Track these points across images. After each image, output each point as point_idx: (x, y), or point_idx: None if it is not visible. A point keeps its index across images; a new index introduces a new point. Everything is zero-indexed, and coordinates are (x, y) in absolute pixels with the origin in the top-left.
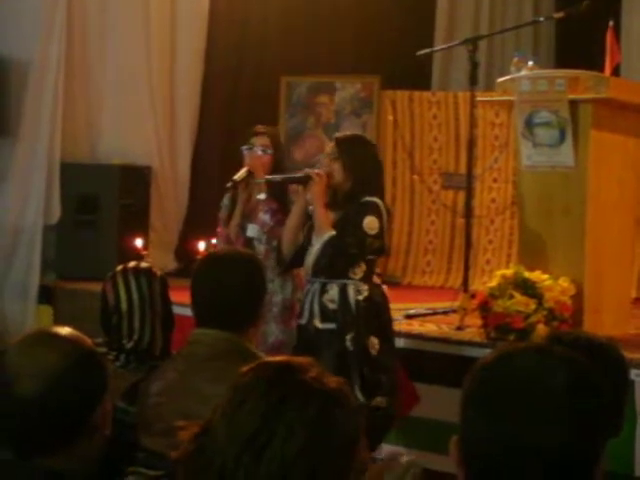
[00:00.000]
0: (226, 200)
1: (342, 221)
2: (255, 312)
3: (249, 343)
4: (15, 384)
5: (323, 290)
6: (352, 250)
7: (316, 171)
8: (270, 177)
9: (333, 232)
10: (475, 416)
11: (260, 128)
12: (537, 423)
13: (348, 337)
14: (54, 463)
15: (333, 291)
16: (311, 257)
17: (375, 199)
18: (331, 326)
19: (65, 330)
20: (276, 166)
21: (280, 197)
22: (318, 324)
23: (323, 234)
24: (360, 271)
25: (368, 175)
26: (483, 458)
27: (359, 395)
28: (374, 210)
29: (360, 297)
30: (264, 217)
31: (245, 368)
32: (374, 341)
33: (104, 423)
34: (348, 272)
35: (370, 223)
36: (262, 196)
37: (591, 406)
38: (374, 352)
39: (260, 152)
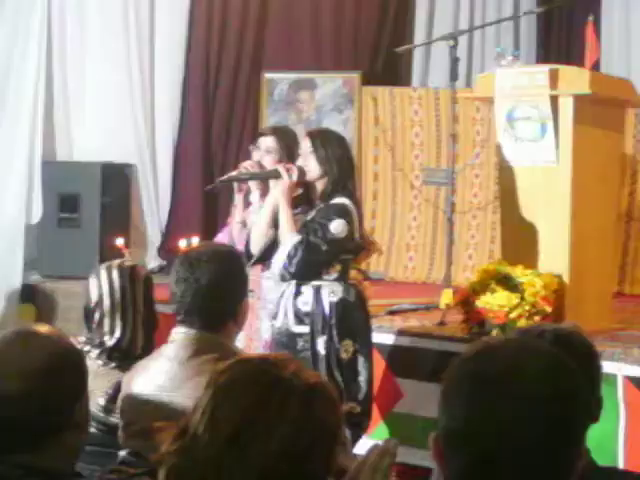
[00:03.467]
0: (237, 197)
1: (310, 224)
2: (234, 308)
3: (229, 340)
4: None
5: (298, 292)
6: (319, 256)
7: (286, 166)
8: (241, 174)
9: (298, 236)
10: (453, 409)
11: (266, 129)
12: (516, 416)
13: (320, 340)
14: (38, 460)
15: (307, 293)
16: (277, 262)
17: (343, 200)
18: (304, 329)
19: (44, 328)
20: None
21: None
22: (292, 327)
23: (287, 237)
24: (334, 271)
25: (342, 170)
26: (462, 452)
27: None
28: (341, 213)
29: (334, 298)
30: (255, 217)
31: (223, 366)
32: (347, 344)
33: (85, 420)
34: (322, 274)
35: (337, 226)
36: (254, 196)
37: (571, 396)
38: (346, 355)
39: (264, 153)
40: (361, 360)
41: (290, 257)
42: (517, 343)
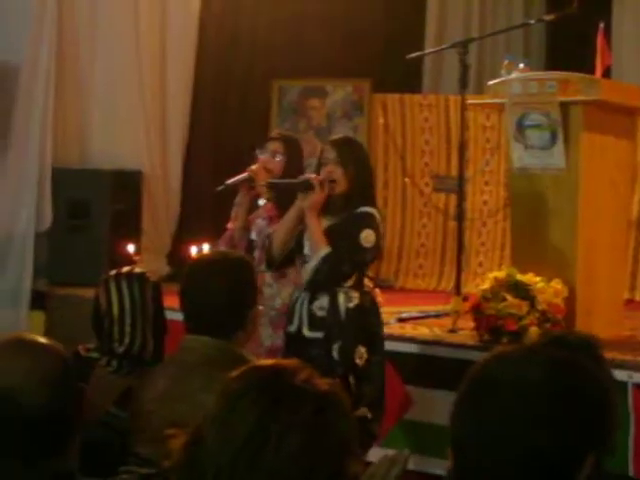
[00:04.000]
0: (239, 198)
1: (338, 233)
2: (244, 317)
3: (239, 348)
4: (17, 393)
5: (313, 297)
6: (347, 268)
7: (318, 177)
8: (273, 181)
9: (329, 249)
10: (461, 414)
11: (275, 133)
12: (518, 424)
13: (335, 346)
14: (59, 465)
15: (323, 298)
16: (308, 273)
17: (371, 209)
18: (319, 334)
19: (38, 337)
20: (288, 172)
21: (287, 204)
22: (306, 332)
23: (319, 250)
24: (351, 279)
25: (367, 180)
26: (466, 456)
27: None
28: (371, 222)
29: (351, 305)
30: (261, 223)
31: (234, 373)
32: (362, 350)
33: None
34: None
35: (367, 237)
36: (261, 202)
37: (576, 411)
38: (360, 362)
39: (269, 156)
40: (375, 366)
41: (320, 269)
42: (527, 352)
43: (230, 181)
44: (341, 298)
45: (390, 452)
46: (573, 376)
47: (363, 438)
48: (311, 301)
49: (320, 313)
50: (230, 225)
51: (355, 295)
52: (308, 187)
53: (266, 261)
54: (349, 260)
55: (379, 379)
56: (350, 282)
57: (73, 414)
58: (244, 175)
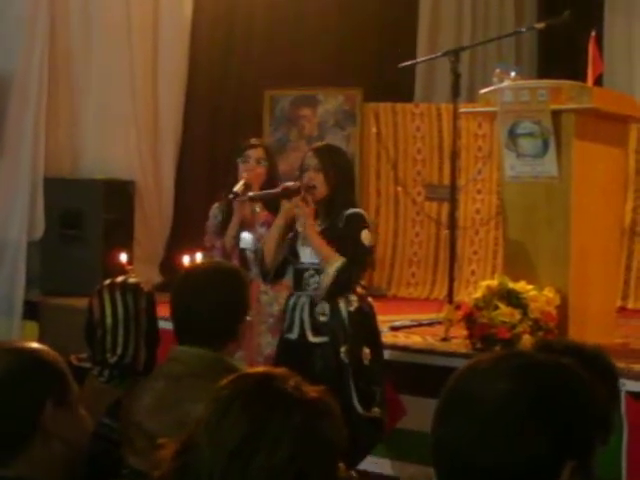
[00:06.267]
0: (216, 211)
1: (337, 238)
2: (235, 327)
3: (230, 358)
4: None
5: (313, 303)
6: (360, 271)
7: (296, 184)
8: (254, 194)
9: (342, 259)
10: (435, 425)
11: (255, 140)
12: (490, 436)
13: (342, 349)
14: (8, 472)
15: (323, 304)
16: (325, 284)
17: (359, 210)
18: (324, 339)
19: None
20: (270, 178)
21: (276, 210)
22: (311, 338)
23: (332, 261)
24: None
25: (348, 185)
26: (443, 467)
27: (358, 406)
28: (365, 222)
29: (351, 308)
30: (261, 230)
31: (224, 381)
32: (366, 352)
33: (60, 429)
34: None
35: (367, 236)
36: (258, 209)
37: (547, 418)
38: (367, 363)
39: (255, 164)
40: (378, 366)
41: (340, 278)
42: (484, 367)
43: (237, 188)
44: (341, 302)
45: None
46: (541, 383)
47: (375, 435)
48: (312, 307)
49: (322, 318)
50: (207, 239)
51: (354, 299)
52: (289, 194)
53: (260, 274)
54: (360, 263)
55: (383, 378)
56: None
57: (24, 417)
58: (242, 182)
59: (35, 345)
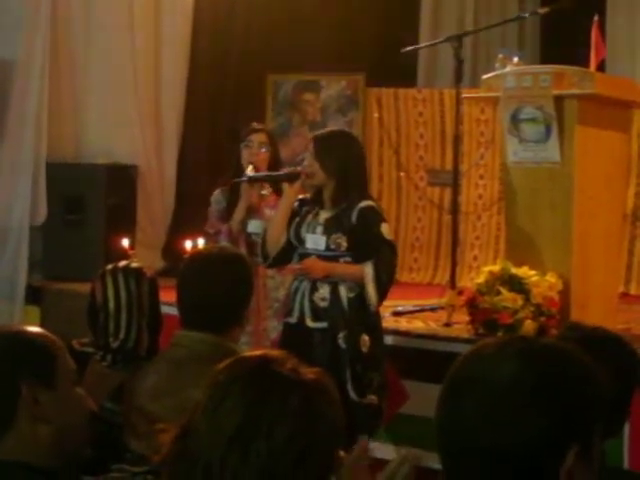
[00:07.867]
0: (219, 196)
1: (350, 232)
2: (240, 313)
3: (233, 343)
4: None
5: (313, 288)
6: (393, 268)
7: (301, 169)
8: (252, 175)
9: (370, 264)
10: (441, 412)
11: (257, 125)
12: (494, 420)
13: (340, 335)
14: None
15: (324, 289)
16: (373, 301)
17: (371, 203)
18: (323, 325)
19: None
20: (273, 162)
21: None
22: (309, 323)
23: (361, 275)
24: None
25: (352, 174)
26: (445, 447)
27: (352, 393)
28: (381, 215)
29: (352, 295)
30: (270, 213)
31: (221, 365)
32: (365, 338)
33: (47, 412)
34: None
35: (387, 230)
36: (266, 192)
37: (550, 402)
38: (365, 350)
39: (258, 149)
40: (377, 353)
41: (382, 281)
42: (488, 352)
43: (249, 173)
44: (342, 289)
45: (403, 450)
46: (546, 367)
47: (371, 422)
48: (312, 292)
49: (322, 304)
50: (209, 225)
51: (355, 285)
52: (291, 178)
53: (261, 256)
54: (390, 261)
55: (382, 364)
56: None
57: (5, 405)
58: (252, 167)
59: (25, 328)
